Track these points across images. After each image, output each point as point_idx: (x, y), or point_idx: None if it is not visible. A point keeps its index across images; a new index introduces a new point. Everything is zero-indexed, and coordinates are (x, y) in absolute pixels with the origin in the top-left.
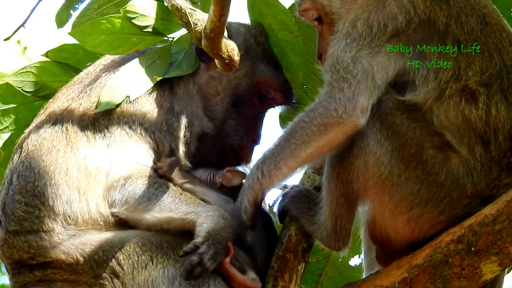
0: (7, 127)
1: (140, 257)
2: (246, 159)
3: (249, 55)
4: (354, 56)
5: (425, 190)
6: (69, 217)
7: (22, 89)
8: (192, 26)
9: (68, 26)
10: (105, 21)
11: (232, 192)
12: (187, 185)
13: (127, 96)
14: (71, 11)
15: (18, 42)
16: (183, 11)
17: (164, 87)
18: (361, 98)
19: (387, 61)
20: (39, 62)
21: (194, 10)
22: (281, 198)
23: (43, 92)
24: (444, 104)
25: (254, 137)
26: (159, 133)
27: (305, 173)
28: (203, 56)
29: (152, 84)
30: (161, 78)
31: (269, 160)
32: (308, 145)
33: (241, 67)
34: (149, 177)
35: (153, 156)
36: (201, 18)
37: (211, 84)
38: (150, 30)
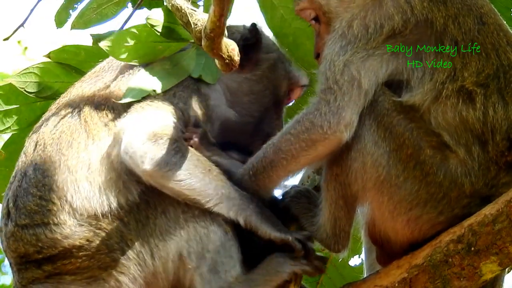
0: (9, 127)
1: (142, 212)
2: None
3: (280, 57)
4: (347, 60)
5: (423, 191)
6: (86, 211)
7: (25, 90)
8: (192, 26)
9: (68, 26)
10: (133, 30)
11: None
12: (215, 158)
13: (153, 90)
14: (70, 11)
15: (19, 42)
16: (183, 11)
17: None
18: (345, 113)
19: (379, 64)
20: (41, 63)
21: (195, 10)
22: (281, 197)
23: (45, 93)
24: (442, 105)
25: None
26: (183, 105)
27: (305, 172)
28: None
29: (178, 81)
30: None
31: (262, 174)
32: (297, 160)
33: (279, 68)
34: (178, 141)
35: (180, 121)
36: (201, 18)
37: (246, 84)
38: (174, 36)
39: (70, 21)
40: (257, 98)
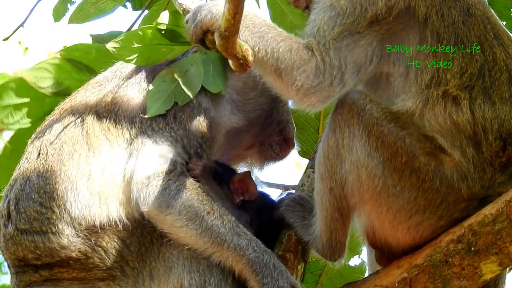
0: (18, 121)
1: (147, 237)
2: (293, 146)
3: None
4: (336, 38)
5: (421, 198)
6: (85, 220)
7: (36, 84)
8: None
9: (69, 27)
10: (139, 32)
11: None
12: (211, 194)
13: (175, 102)
14: (68, 4)
15: (19, 42)
16: None
17: None
18: (319, 96)
19: (364, 58)
20: (54, 58)
21: None
22: (276, 206)
23: (56, 89)
24: (433, 109)
25: None
26: (183, 131)
27: (305, 172)
28: None
29: (196, 92)
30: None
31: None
32: (268, 56)
33: None
34: (179, 179)
35: (182, 152)
36: None
37: (250, 79)
38: (178, 40)
39: (68, 16)
40: (263, 90)
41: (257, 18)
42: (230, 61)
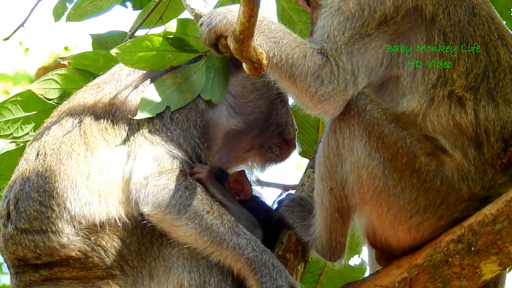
0: (27, 133)
1: (147, 237)
2: (294, 147)
3: None
4: (347, 43)
5: (422, 198)
6: (85, 218)
7: (44, 97)
8: None
9: (70, 27)
10: (146, 40)
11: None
12: (219, 196)
13: (167, 107)
14: (67, 3)
15: (20, 43)
16: None
17: None
18: (334, 103)
19: (375, 61)
20: (61, 69)
21: None
22: (276, 206)
23: (64, 99)
24: (437, 110)
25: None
26: (180, 131)
27: (305, 172)
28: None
29: (191, 100)
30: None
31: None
32: (282, 62)
33: None
34: (177, 179)
35: (179, 152)
36: None
37: (248, 82)
38: (185, 48)
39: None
40: (262, 93)
41: (272, 23)
42: (244, 65)
